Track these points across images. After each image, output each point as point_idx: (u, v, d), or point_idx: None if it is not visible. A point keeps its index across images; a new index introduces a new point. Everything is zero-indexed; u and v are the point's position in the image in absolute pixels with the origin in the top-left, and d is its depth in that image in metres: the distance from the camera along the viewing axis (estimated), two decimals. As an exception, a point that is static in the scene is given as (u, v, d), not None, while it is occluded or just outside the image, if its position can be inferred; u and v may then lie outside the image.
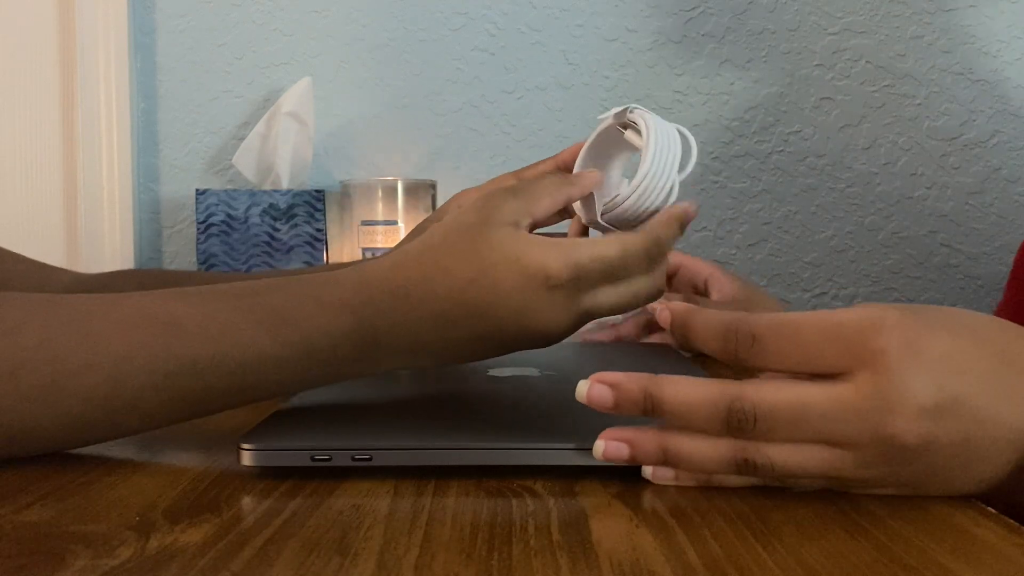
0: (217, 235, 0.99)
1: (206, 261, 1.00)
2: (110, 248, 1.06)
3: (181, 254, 1.10)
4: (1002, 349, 0.35)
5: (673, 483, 0.37)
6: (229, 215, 0.99)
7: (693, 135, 0.52)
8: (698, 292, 0.73)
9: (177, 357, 0.39)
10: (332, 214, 1.04)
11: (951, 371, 0.33)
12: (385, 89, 1.09)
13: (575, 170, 0.56)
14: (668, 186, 0.50)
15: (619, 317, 0.75)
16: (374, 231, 0.99)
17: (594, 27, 1.09)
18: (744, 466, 0.35)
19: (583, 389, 0.36)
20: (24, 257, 0.65)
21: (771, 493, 0.36)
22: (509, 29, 1.09)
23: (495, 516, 0.33)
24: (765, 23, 1.08)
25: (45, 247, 1.06)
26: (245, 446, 0.38)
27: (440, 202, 1.03)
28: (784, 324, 0.34)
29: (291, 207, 0.99)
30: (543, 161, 0.59)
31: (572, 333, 0.44)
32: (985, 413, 0.34)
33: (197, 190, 0.99)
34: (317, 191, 1.00)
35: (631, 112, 0.51)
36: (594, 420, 0.38)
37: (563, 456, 0.38)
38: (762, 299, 0.74)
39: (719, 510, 0.34)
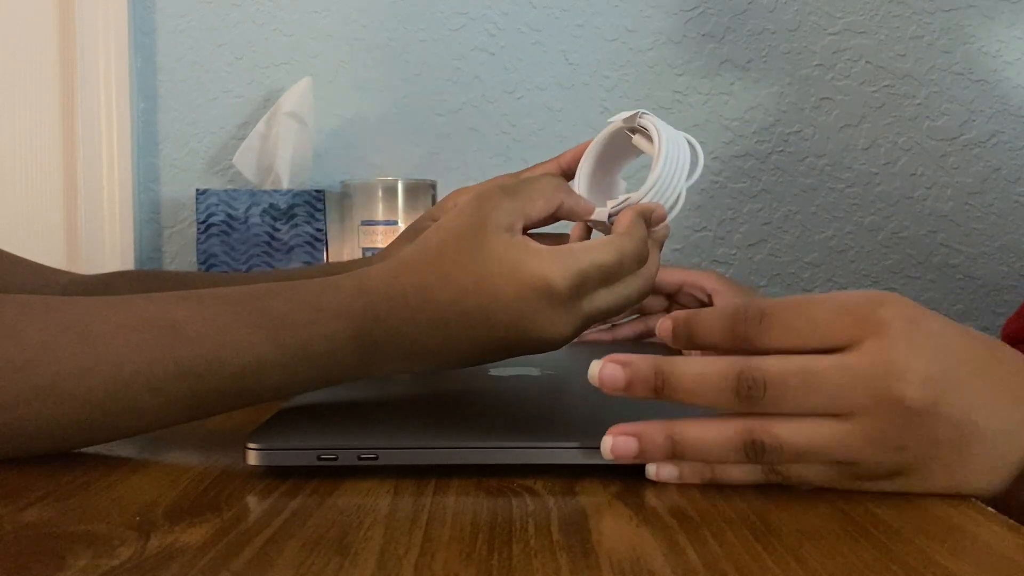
0: (217, 235, 0.99)
1: (206, 261, 1.00)
2: (110, 248, 1.06)
3: (181, 254, 1.10)
4: (993, 350, 0.36)
5: (677, 481, 0.37)
6: (229, 215, 0.99)
7: (694, 135, 0.53)
8: (702, 306, 0.73)
9: (176, 361, 0.39)
10: (332, 214, 1.04)
11: (950, 350, 0.35)
12: (385, 89, 1.09)
13: (579, 169, 0.56)
14: (677, 192, 0.50)
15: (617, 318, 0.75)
16: (374, 231, 0.99)
17: (594, 27, 1.09)
18: (752, 448, 0.35)
19: (595, 370, 0.37)
20: (22, 258, 0.65)
21: (772, 494, 0.36)
22: (509, 29, 1.09)
23: (495, 516, 0.33)
24: (765, 23, 1.08)
25: (45, 247, 1.06)
26: (252, 446, 0.38)
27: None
28: (791, 301, 0.35)
29: (291, 207, 0.99)
30: (545, 163, 0.59)
31: (573, 337, 0.44)
32: (981, 400, 0.34)
33: (197, 190, 0.99)
34: (317, 191, 1.00)
35: (641, 117, 0.52)
36: (598, 419, 0.38)
37: (569, 455, 0.38)
38: None
39: (719, 510, 0.34)
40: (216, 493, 0.36)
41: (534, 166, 0.60)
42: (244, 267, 1.00)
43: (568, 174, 0.58)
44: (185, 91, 1.09)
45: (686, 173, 0.50)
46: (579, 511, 0.34)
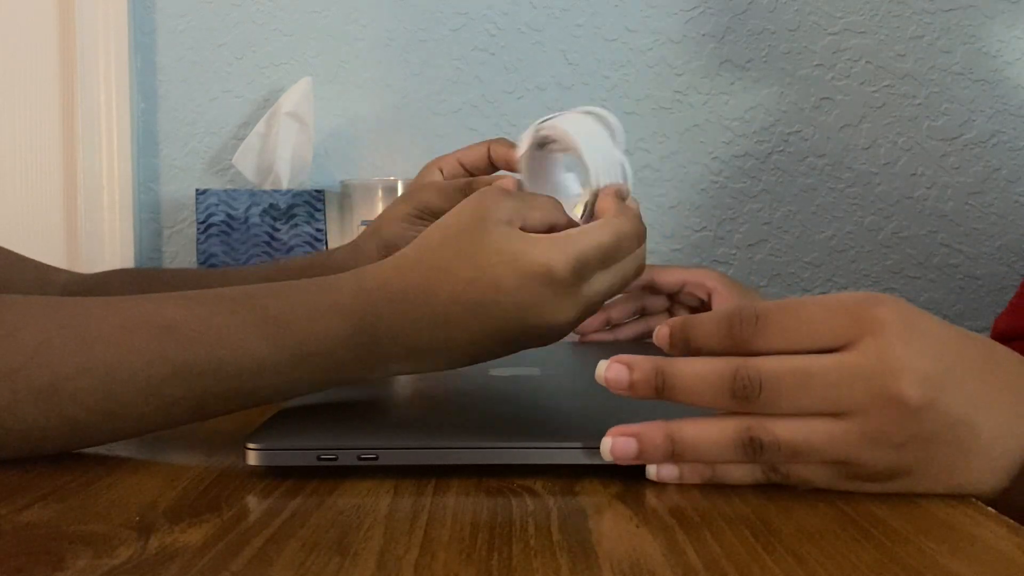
0: (217, 235, 0.99)
1: (206, 261, 1.00)
2: (110, 248, 1.06)
3: (181, 254, 1.10)
4: (989, 350, 0.37)
5: (677, 481, 0.37)
6: (229, 215, 0.99)
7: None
8: (703, 305, 0.73)
9: (173, 362, 0.39)
10: (332, 214, 1.04)
11: (947, 349, 0.35)
12: (385, 89, 1.09)
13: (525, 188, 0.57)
14: (619, 164, 0.51)
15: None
16: (374, 231, 0.98)
17: (594, 27, 1.09)
18: (750, 447, 0.35)
19: (601, 369, 0.37)
20: (23, 256, 0.65)
21: (772, 494, 0.36)
22: (509, 29, 1.09)
23: (495, 516, 0.33)
24: (765, 23, 1.08)
25: (45, 247, 1.06)
26: (251, 446, 0.38)
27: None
28: (787, 303, 0.35)
29: (291, 207, 0.99)
30: (476, 145, 0.63)
31: (576, 325, 0.44)
32: (979, 399, 0.34)
33: (197, 190, 0.99)
34: (317, 191, 1.00)
35: (540, 129, 0.52)
36: (598, 419, 0.38)
37: (569, 455, 0.38)
38: None
39: (719, 511, 0.34)
40: (216, 493, 0.36)
41: (467, 147, 0.65)
42: (244, 267, 1.00)
43: (470, 170, 0.65)
44: (185, 91, 1.09)
45: (611, 143, 0.51)
46: (579, 511, 0.34)
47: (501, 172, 0.67)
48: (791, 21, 1.08)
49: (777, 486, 0.36)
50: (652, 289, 0.73)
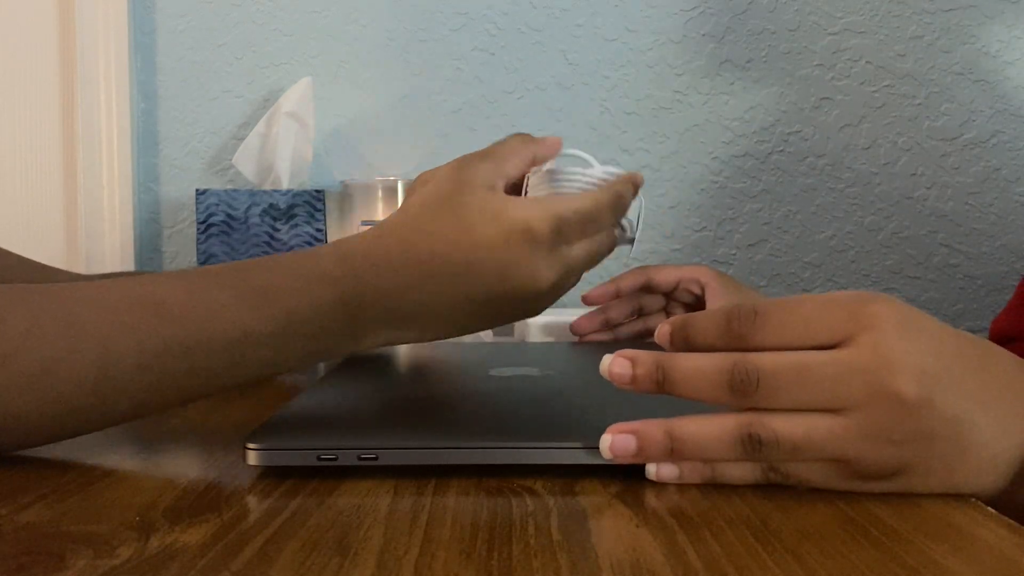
0: (217, 235, 0.99)
1: (206, 261, 1.00)
2: (110, 248, 1.06)
3: (181, 254, 1.10)
4: (985, 350, 0.37)
5: (677, 481, 0.37)
6: (229, 215, 0.99)
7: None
8: (697, 300, 0.73)
9: (164, 338, 0.39)
10: (332, 214, 1.04)
11: (944, 346, 0.35)
12: (385, 89, 1.09)
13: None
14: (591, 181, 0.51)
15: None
16: (374, 231, 0.98)
17: (594, 27, 1.09)
18: (750, 444, 0.35)
19: (606, 364, 0.37)
20: (24, 257, 0.65)
21: (771, 494, 0.36)
22: (509, 29, 1.09)
23: (495, 516, 0.33)
24: (765, 23, 1.08)
25: (45, 247, 1.06)
26: (251, 446, 0.38)
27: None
28: (785, 300, 0.36)
29: (291, 207, 0.99)
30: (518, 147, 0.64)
31: (557, 292, 0.45)
32: (976, 397, 0.34)
33: (197, 190, 0.99)
34: (317, 191, 1.00)
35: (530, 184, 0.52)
36: (598, 419, 0.38)
37: (569, 455, 0.38)
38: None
39: (719, 511, 0.34)
40: (216, 493, 0.36)
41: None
42: (244, 267, 1.00)
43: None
44: (185, 91, 1.09)
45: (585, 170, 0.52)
46: (579, 511, 0.34)
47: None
48: (791, 21, 1.08)
49: (777, 486, 0.36)
50: (648, 289, 0.73)
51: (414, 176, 1.06)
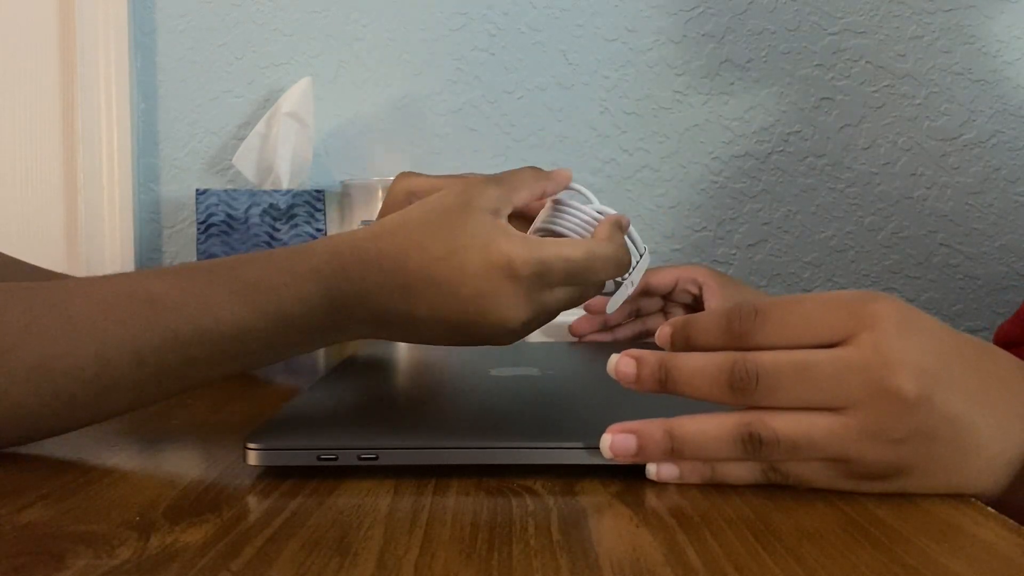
0: (217, 235, 0.99)
1: (206, 261, 1.00)
2: (110, 248, 1.06)
3: (181, 254, 1.10)
4: (985, 351, 0.37)
5: (677, 481, 0.37)
6: (229, 215, 0.99)
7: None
8: (695, 300, 0.73)
9: (159, 331, 0.40)
10: (332, 214, 1.04)
11: (943, 346, 0.35)
12: (385, 89, 1.09)
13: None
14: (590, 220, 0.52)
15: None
16: (374, 231, 0.98)
17: (594, 27, 1.09)
18: (750, 442, 0.35)
19: (612, 363, 0.38)
20: (16, 259, 0.65)
21: (772, 495, 0.36)
22: (509, 29, 1.09)
23: (495, 516, 0.33)
24: (765, 23, 1.08)
25: (45, 247, 1.06)
26: (251, 446, 0.38)
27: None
28: (785, 299, 0.36)
29: (291, 207, 0.99)
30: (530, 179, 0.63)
31: (528, 329, 0.46)
32: (976, 396, 0.34)
33: (197, 190, 0.99)
34: (317, 191, 1.00)
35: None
36: (598, 419, 0.38)
37: (570, 455, 0.38)
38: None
39: (719, 510, 0.34)
40: (216, 493, 0.36)
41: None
42: (244, 267, 1.00)
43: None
44: (185, 91, 1.09)
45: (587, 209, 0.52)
46: (579, 511, 0.34)
47: None
48: (791, 21, 1.08)
49: (777, 486, 0.36)
50: (647, 293, 0.73)
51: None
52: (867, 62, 1.08)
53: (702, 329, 0.37)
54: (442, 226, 0.44)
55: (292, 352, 0.44)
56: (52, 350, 0.38)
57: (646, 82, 1.09)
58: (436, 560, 0.29)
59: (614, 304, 0.55)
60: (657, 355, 0.37)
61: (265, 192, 0.99)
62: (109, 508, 0.34)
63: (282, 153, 1.00)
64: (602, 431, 0.37)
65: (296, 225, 0.99)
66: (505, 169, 0.73)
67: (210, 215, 0.99)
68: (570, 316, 0.76)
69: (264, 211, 0.99)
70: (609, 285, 0.54)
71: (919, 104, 1.08)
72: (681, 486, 0.37)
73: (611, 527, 0.32)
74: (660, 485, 0.37)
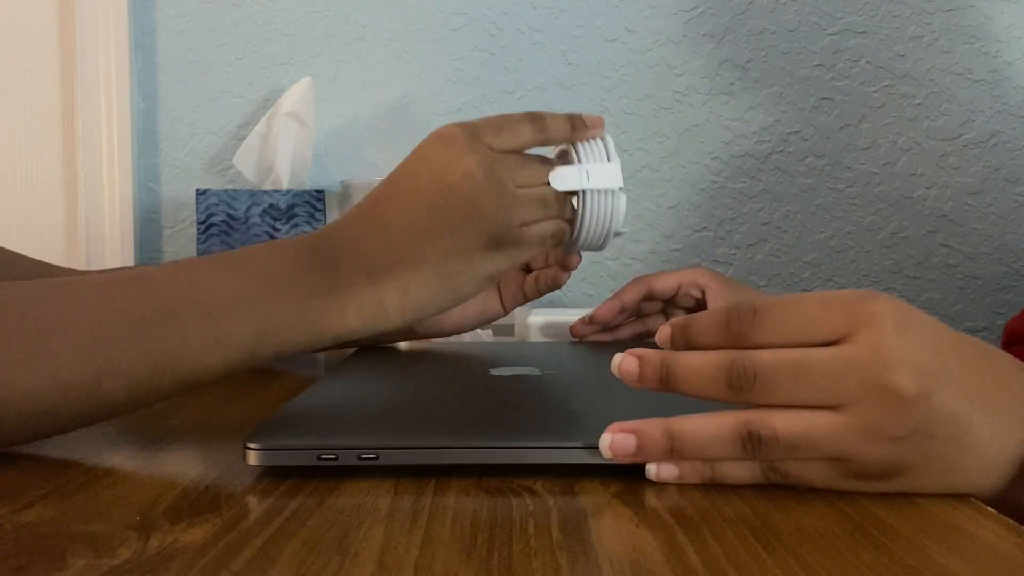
0: (217, 235, 0.99)
1: (206, 261, 1.00)
2: (110, 248, 1.06)
3: (181, 254, 1.10)
4: (983, 350, 0.37)
5: (677, 481, 0.37)
6: (229, 215, 0.99)
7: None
8: (698, 304, 0.73)
9: (153, 307, 0.41)
10: (332, 214, 1.04)
11: (942, 345, 0.35)
12: (385, 89, 1.09)
13: None
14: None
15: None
16: (374, 231, 0.98)
17: (594, 27, 1.09)
18: (749, 441, 0.35)
19: (616, 361, 0.38)
20: (20, 254, 0.65)
21: (771, 495, 0.36)
22: (509, 29, 1.09)
23: (495, 516, 0.33)
24: (765, 23, 1.08)
25: (45, 247, 1.06)
26: (251, 445, 0.38)
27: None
28: (784, 298, 0.36)
29: (291, 207, 0.99)
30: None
31: (502, 182, 0.49)
32: (975, 395, 0.35)
33: (197, 190, 0.99)
34: (317, 191, 1.00)
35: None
36: (598, 419, 0.38)
37: (570, 455, 0.38)
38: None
39: (719, 510, 0.34)
40: (216, 493, 0.36)
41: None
42: (244, 267, 1.00)
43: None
44: (185, 91, 1.09)
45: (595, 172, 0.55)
46: (579, 511, 0.34)
47: None
48: (791, 21, 1.08)
49: (777, 486, 0.36)
50: (650, 298, 0.73)
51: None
52: (867, 62, 1.08)
53: (702, 329, 0.37)
54: (410, 160, 0.50)
55: (288, 328, 0.44)
56: (49, 328, 0.39)
57: (646, 82, 1.09)
58: (436, 560, 0.29)
59: (558, 178, 0.53)
60: (659, 354, 0.37)
61: (265, 192, 0.99)
62: (109, 508, 0.34)
63: (282, 153, 1.00)
64: (602, 431, 0.37)
65: (296, 225, 0.99)
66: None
67: (210, 215, 0.99)
68: (570, 316, 0.76)
69: (264, 211, 0.99)
70: (571, 179, 0.54)
71: (919, 104, 1.08)
72: (681, 486, 0.37)
73: (611, 527, 0.32)
74: (660, 485, 0.37)
